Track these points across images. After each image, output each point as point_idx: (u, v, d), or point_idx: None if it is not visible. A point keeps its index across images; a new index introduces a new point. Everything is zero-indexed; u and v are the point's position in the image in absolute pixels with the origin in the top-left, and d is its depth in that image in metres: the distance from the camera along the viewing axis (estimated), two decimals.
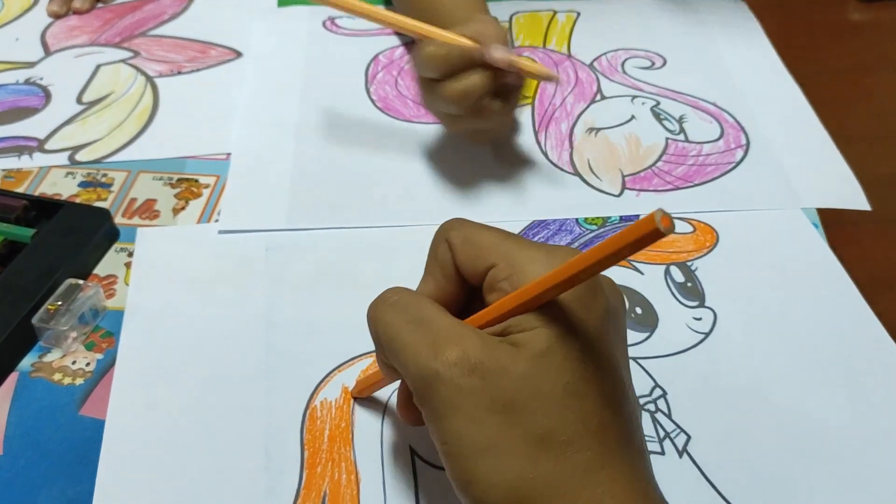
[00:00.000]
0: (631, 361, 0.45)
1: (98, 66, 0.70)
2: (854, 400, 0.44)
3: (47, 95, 0.66)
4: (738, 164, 0.60)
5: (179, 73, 0.69)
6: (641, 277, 0.51)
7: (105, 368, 0.45)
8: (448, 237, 0.35)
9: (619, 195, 0.57)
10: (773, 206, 0.56)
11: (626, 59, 0.70)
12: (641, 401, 0.44)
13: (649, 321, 0.48)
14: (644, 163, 0.60)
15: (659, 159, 0.60)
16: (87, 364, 0.45)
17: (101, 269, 0.51)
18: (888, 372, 0.45)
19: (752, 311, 0.49)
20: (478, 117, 0.52)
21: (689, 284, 0.51)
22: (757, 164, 0.59)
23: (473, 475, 0.29)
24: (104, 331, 0.47)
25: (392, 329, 0.32)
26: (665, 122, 0.63)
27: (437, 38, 0.51)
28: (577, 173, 0.59)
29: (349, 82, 0.67)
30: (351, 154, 0.59)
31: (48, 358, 0.45)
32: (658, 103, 0.65)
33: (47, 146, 0.61)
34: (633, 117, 0.64)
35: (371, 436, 0.42)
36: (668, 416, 0.43)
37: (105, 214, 0.52)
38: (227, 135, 0.62)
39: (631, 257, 0.52)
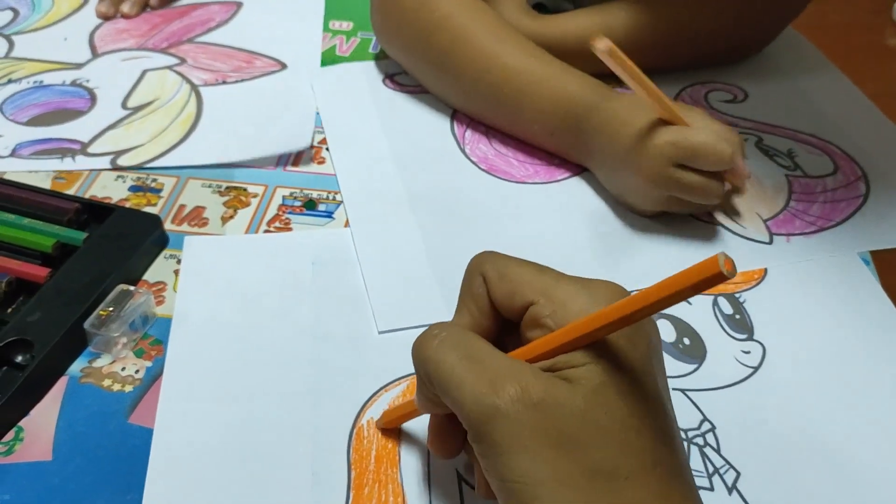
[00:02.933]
0: (679, 393, 0.46)
1: (144, 72, 0.70)
2: None
3: (93, 98, 0.67)
4: (867, 196, 0.59)
5: (224, 82, 0.69)
6: (689, 308, 0.51)
7: (154, 376, 0.45)
8: (483, 271, 0.35)
9: (770, 243, 0.55)
10: None
11: (707, 93, 0.69)
12: (690, 434, 0.43)
13: (697, 353, 0.48)
14: (777, 204, 0.58)
15: (790, 199, 0.59)
16: (137, 371, 0.45)
17: (150, 276, 0.51)
18: None
19: (801, 347, 0.48)
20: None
21: (737, 317, 0.50)
22: (884, 195, 0.59)
23: None
24: (153, 338, 0.47)
25: (445, 366, 0.32)
26: (777, 159, 0.62)
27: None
28: (716, 222, 0.57)
29: (441, 145, 0.63)
30: (476, 226, 0.55)
31: (98, 363, 0.45)
32: (760, 139, 0.64)
33: (90, 149, 0.61)
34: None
35: (418, 458, 0.42)
36: (717, 451, 0.43)
37: (156, 220, 0.52)
38: (269, 147, 0.61)
39: None
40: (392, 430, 0.43)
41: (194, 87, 0.68)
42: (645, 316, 0.29)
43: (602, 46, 0.46)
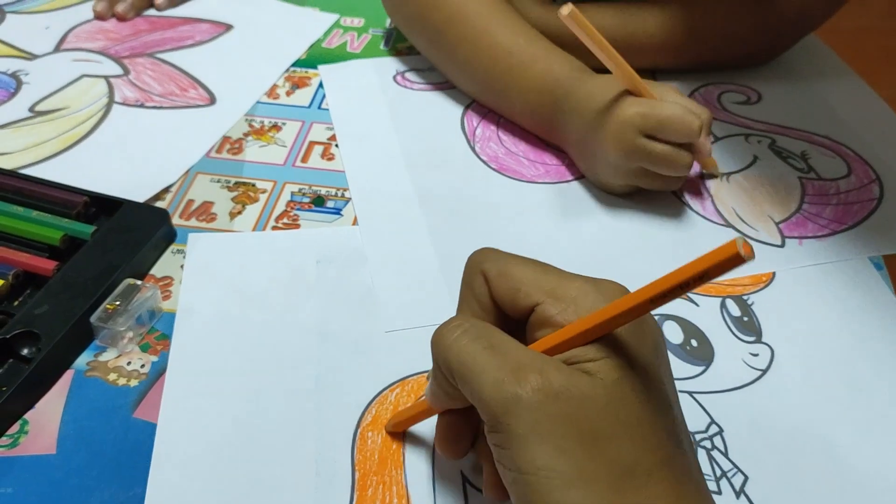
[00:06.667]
0: (687, 395, 0.45)
1: (81, 76, 0.67)
2: None
3: (14, 94, 0.65)
4: (881, 200, 0.58)
5: (143, 105, 0.65)
6: (697, 309, 0.50)
7: (159, 371, 0.45)
8: (483, 269, 0.35)
9: (782, 245, 0.55)
10: None
11: (720, 94, 0.69)
12: (697, 437, 0.43)
13: (705, 354, 0.48)
14: (789, 206, 0.58)
15: (802, 202, 0.58)
16: (142, 366, 0.45)
17: (157, 270, 0.51)
18: None
19: (810, 350, 0.48)
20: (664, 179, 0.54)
21: (745, 319, 0.50)
22: None
23: None
24: (159, 333, 0.47)
25: (466, 355, 0.32)
26: (790, 161, 0.62)
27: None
28: (728, 224, 0.56)
29: (451, 143, 0.62)
30: (486, 225, 0.55)
31: (104, 357, 0.45)
32: (774, 141, 0.64)
33: None
34: (756, 158, 0.62)
35: (422, 460, 0.41)
36: (725, 454, 0.42)
37: (164, 215, 0.52)
38: (141, 182, 0.56)
39: None
40: (398, 431, 0.42)
41: (110, 104, 0.64)
42: (667, 301, 0.28)
43: (565, 11, 0.48)
